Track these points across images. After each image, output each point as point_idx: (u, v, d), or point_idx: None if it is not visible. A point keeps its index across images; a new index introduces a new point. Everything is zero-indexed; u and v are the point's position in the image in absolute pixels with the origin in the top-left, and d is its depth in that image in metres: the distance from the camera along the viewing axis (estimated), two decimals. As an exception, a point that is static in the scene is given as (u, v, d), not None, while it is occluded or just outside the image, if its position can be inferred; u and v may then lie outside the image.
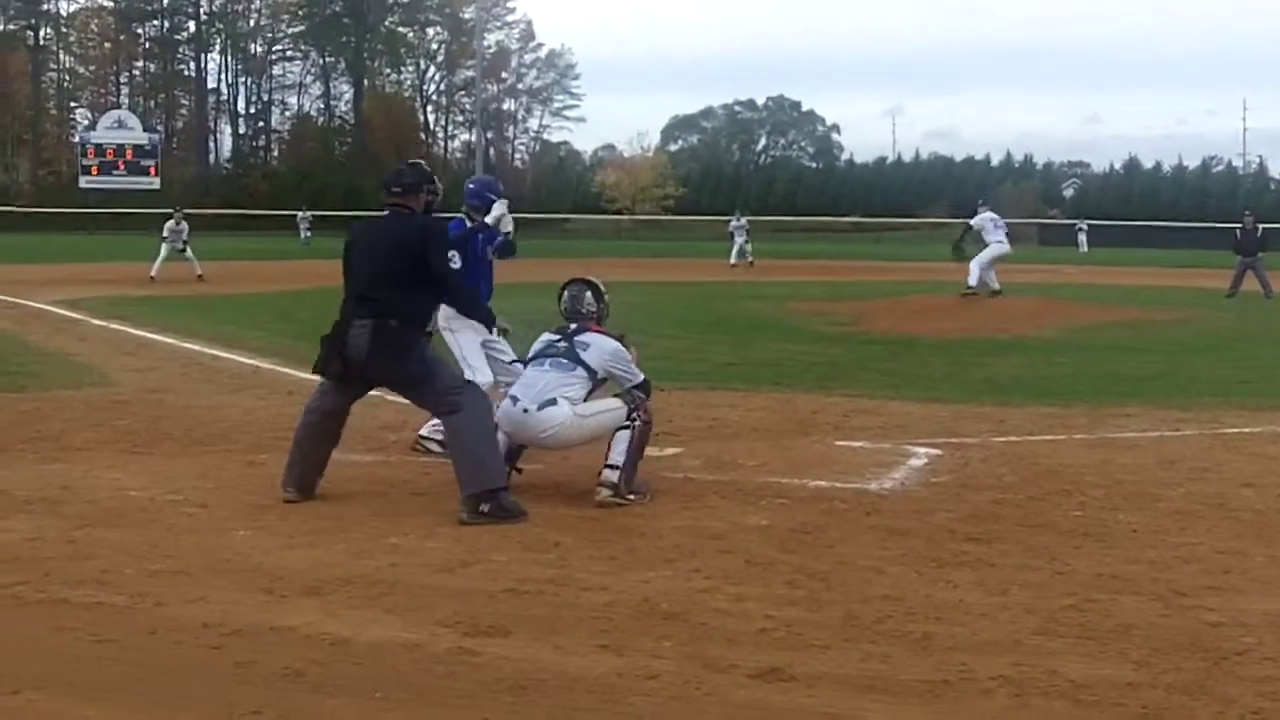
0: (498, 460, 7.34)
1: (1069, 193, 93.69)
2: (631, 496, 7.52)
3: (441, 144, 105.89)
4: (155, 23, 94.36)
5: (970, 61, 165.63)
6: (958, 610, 5.52)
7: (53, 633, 5.13)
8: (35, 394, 11.75)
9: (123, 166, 73.16)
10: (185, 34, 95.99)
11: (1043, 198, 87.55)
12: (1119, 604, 5.62)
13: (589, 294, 8.15)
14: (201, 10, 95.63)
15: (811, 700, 4.48)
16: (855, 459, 9.05)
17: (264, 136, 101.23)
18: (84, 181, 73.30)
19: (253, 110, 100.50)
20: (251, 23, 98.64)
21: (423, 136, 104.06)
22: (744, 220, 44.77)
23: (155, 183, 72.85)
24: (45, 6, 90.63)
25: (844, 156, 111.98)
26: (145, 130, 78.18)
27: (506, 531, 6.83)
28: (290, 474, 7.62)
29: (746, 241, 43.35)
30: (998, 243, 24.67)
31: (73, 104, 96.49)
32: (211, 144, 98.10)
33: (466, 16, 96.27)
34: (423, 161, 8.26)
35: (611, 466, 7.52)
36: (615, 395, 7.86)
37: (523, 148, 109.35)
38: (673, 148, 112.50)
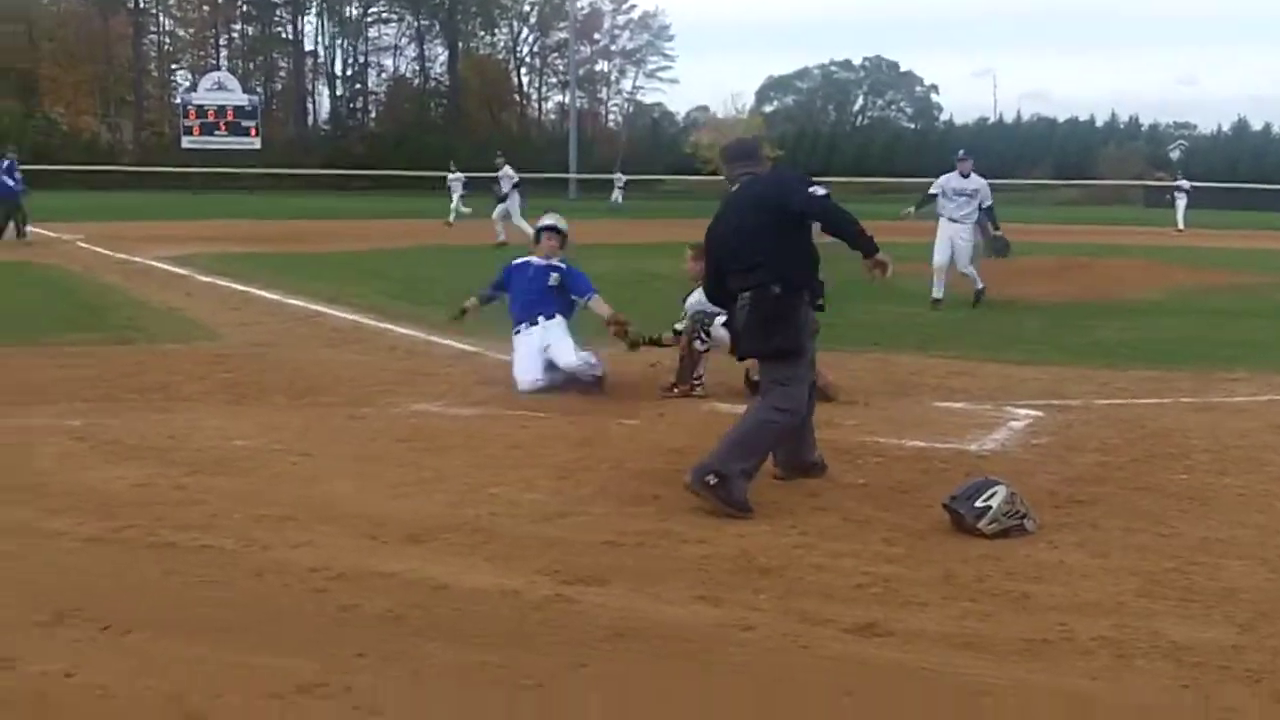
0: None
1: (1174, 155, 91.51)
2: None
3: (535, 106, 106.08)
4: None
5: (1057, 21, 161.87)
6: (1058, 570, 5.48)
7: (162, 575, 5.25)
8: (143, 346, 11.98)
9: (224, 127, 73.75)
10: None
11: (1149, 160, 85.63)
12: (1224, 567, 5.55)
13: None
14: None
15: (908, 655, 4.47)
16: (954, 420, 8.99)
17: (361, 98, 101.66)
18: (186, 142, 73.96)
19: (349, 73, 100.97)
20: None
21: (516, 98, 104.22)
22: (462, 175, 41.34)
23: (256, 143, 73.57)
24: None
25: (942, 117, 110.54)
26: (245, 92, 78.93)
27: (606, 485, 6.87)
28: None
29: (463, 199, 39.65)
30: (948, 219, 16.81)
31: (174, 66, 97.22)
32: (310, 105, 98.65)
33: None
34: None
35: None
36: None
37: (616, 109, 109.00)
38: (768, 109, 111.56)
